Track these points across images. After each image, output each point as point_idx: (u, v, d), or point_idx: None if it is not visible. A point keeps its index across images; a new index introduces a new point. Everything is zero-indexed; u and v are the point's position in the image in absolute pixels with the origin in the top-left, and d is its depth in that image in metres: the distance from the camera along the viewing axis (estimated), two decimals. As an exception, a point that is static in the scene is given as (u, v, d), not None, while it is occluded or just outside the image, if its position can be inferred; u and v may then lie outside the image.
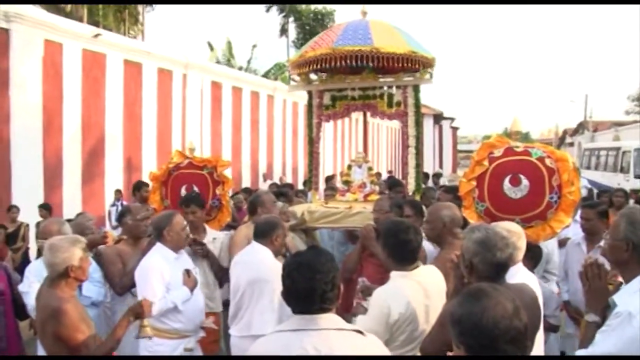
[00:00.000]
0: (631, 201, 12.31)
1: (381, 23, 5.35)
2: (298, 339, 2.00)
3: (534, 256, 3.88)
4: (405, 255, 2.99)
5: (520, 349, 1.60)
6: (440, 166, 33.52)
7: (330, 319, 2.07)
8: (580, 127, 38.89)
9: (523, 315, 1.62)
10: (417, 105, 5.44)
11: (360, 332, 2.08)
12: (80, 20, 15.11)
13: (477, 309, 1.60)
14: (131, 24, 22.15)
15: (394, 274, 3.00)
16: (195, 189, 4.91)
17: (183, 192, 4.92)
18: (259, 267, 3.64)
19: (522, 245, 3.13)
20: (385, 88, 5.56)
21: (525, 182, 3.92)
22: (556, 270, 4.68)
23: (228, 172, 5.20)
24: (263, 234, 3.74)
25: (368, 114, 5.98)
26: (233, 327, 3.77)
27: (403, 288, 2.87)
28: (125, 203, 9.09)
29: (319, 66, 5.18)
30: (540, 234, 3.94)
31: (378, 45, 4.92)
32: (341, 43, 5.04)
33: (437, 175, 14.96)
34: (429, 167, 29.56)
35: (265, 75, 24.52)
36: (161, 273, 3.65)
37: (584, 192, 10.72)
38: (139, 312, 3.19)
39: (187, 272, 3.81)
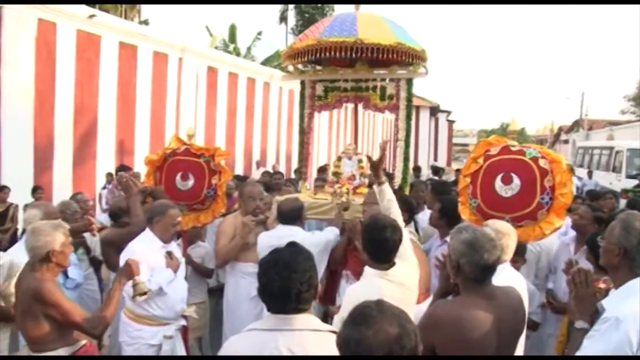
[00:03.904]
0: (622, 201, 12.33)
1: (370, 15, 5.31)
2: (273, 338, 1.99)
3: (518, 252, 3.89)
4: (379, 253, 2.90)
5: None
6: (435, 159, 33.43)
7: (306, 319, 2.05)
8: (576, 125, 38.93)
9: (407, 339, 1.53)
10: (409, 98, 5.42)
11: (335, 332, 2.06)
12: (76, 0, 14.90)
13: (355, 336, 1.54)
14: (129, 7, 21.86)
15: (367, 271, 2.93)
16: (191, 176, 4.86)
17: (178, 178, 4.87)
18: (312, 242, 3.81)
19: (511, 243, 3.12)
20: (379, 81, 5.52)
21: (516, 181, 3.94)
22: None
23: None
24: (297, 218, 4.18)
25: (359, 105, 5.95)
26: None
27: (375, 286, 2.78)
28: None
29: (308, 57, 5.13)
30: (530, 234, 3.97)
31: (362, 37, 4.88)
32: (327, 34, 5.03)
33: (435, 170, 14.92)
34: (424, 160, 29.56)
35: (265, 62, 24.29)
36: (146, 258, 3.64)
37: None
38: (128, 272, 3.20)
39: (169, 253, 3.82)
